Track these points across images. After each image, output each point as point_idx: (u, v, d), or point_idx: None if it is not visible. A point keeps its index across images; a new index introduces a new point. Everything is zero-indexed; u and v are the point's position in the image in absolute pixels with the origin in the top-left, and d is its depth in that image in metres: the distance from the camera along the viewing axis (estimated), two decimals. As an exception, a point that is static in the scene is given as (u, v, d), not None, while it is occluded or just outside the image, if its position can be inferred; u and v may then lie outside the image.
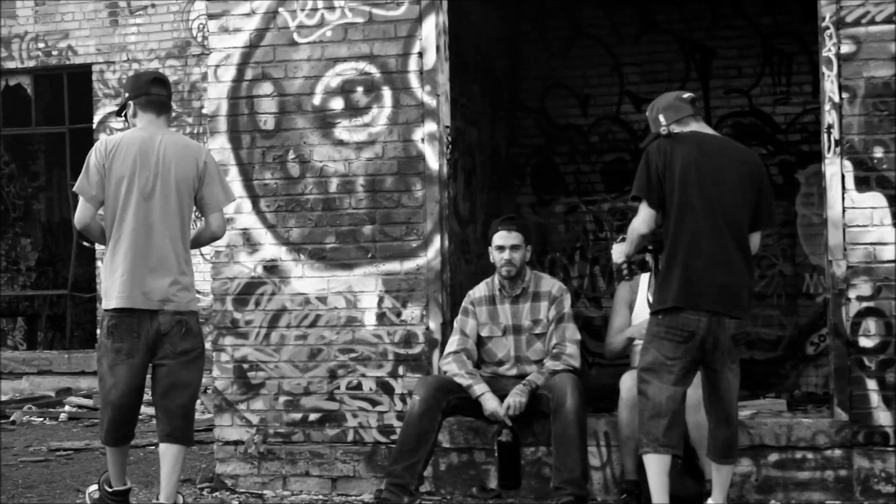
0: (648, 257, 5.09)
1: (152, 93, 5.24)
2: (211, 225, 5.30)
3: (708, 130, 5.08)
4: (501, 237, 5.71)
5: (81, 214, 5.13)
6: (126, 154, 5.10)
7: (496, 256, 5.73)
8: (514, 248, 5.68)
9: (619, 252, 5.24)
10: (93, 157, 5.12)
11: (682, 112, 5.03)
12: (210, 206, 5.25)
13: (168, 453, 5.15)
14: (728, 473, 5.07)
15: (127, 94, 5.28)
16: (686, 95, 5.10)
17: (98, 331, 5.40)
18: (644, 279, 5.83)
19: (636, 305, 5.82)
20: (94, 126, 11.38)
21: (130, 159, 5.10)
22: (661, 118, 5.03)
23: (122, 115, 5.37)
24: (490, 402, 5.51)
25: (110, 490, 5.35)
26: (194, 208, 5.28)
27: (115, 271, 5.10)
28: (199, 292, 11.98)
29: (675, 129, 4.98)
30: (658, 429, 4.86)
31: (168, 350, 5.13)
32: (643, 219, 4.93)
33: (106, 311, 5.14)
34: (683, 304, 4.85)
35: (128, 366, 5.10)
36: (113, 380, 5.11)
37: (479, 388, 5.55)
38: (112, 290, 5.10)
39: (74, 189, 5.16)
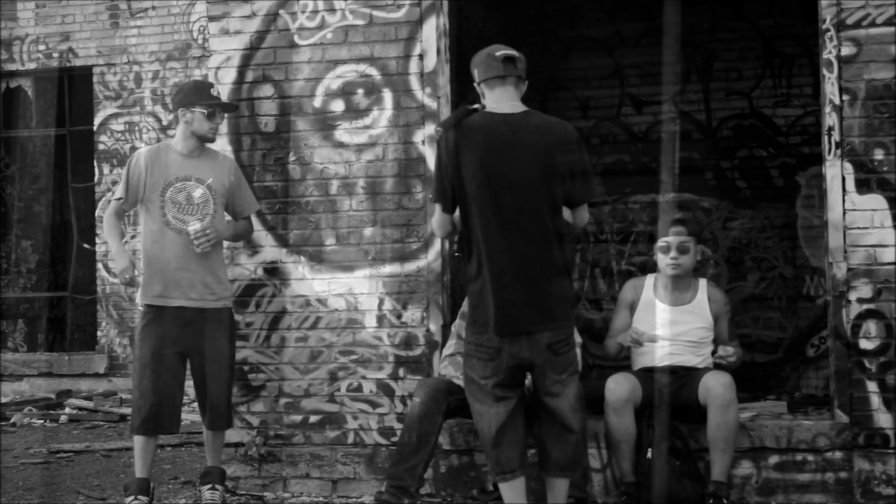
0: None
1: None
2: None
3: (508, 104, 4.57)
4: None
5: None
6: None
7: None
8: None
9: None
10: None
11: (491, 72, 4.57)
12: None
13: None
14: (564, 488, 4.64)
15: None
16: (499, 53, 4.58)
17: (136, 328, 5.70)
18: (649, 280, 5.83)
19: (637, 307, 5.81)
20: (95, 128, 11.38)
21: None
22: (475, 73, 4.66)
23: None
24: None
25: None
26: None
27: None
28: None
29: (484, 89, 4.61)
30: (491, 457, 4.60)
31: None
32: (437, 223, 4.66)
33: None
34: (481, 324, 4.50)
35: None
36: None
37: (479, 389, 5.54)
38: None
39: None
